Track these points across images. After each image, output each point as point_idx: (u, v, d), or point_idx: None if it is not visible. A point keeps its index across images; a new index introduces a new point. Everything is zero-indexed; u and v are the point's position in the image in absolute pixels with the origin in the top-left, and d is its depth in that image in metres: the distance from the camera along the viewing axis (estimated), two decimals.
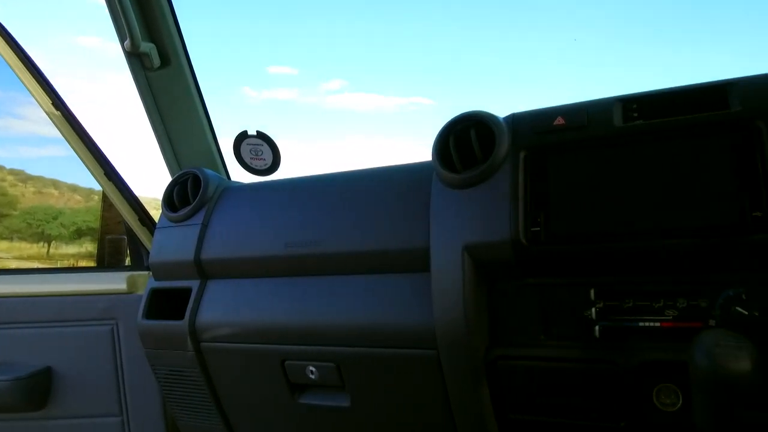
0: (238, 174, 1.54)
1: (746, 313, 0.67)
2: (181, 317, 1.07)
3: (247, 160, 1.27)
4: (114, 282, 1.29)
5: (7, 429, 1.33)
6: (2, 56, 1.22)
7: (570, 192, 0.77)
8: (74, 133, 1.26)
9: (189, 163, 1.35)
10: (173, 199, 1.17)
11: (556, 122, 0.80)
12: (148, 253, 1.30)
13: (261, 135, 1.27)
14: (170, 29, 1.24)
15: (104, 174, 1.29)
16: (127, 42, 1.19)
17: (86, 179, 1.30)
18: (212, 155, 1.40)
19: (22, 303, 1.31)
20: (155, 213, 1.33)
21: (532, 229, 0.77)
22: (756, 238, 0.65)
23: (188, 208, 1.14)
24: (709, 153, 0.70)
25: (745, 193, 0.67)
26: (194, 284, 1.10)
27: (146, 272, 1.28)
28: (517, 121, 0.84)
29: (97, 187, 1.32)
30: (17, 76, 1.24)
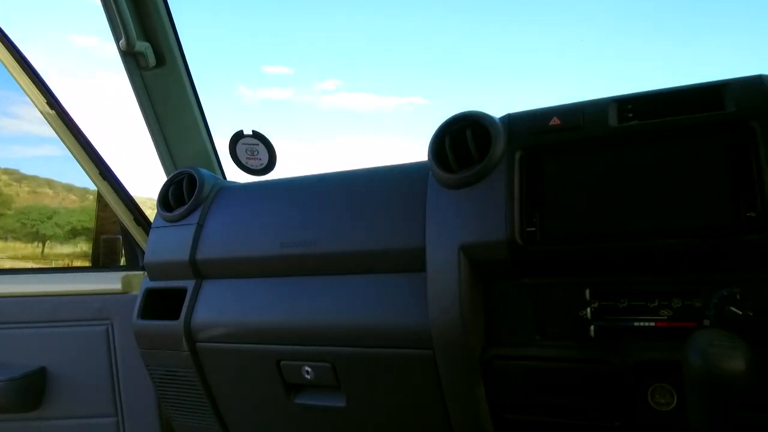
0: (234, 174, 1.54)
1: (740, 312, 0.67)
2: (177, 317, 1.07)
3: (242, 159, 1.27)
4: (109, 282, 1.29)
5: (1, 430, 1.33)
6: None
7: (565, 192, 0.77)
8: (69, 133, 1.25)
9: (184, 162, 1.35)
10: (168, 198, 1.16)
11: (551, 123, 0.80)
12: (143, 252, 1.29)
13: (257, 135, 1.27)
14: (166, 29, 1.24)
15: (99, 173, 1.29)
16: (122, 41, 1.19)
17: (81, 179, 1.30)
18: (208, 155, 1.40)
19: (16, 303, 1.31)
20: (150, 213, 1.33)
21: (528, 230, 0.77)
22: (750, 239, 0.65)
23: (183, 207, 1.13)
24: (704, 153, 0.70)
25: (739, 194, 0.67)
26: (189, 284, 1.10)
27: (141, 272, 1.28)
28: (512, 121, 0.85)
29: (92, 186, 1.31)
30: (11, 74, 1.23)
